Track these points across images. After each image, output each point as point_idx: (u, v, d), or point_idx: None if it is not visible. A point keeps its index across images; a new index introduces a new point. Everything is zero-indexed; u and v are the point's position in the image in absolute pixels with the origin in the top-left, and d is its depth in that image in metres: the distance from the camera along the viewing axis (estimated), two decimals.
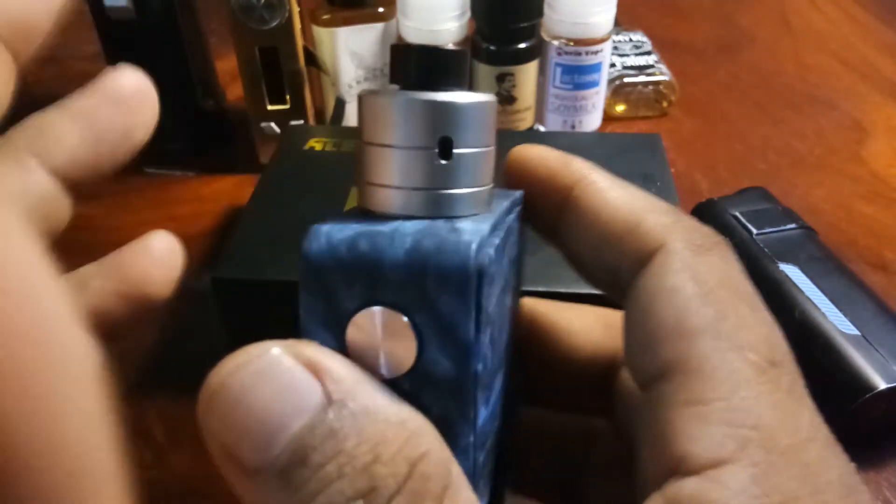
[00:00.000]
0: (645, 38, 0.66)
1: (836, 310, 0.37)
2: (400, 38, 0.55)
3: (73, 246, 0.58)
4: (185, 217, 0.53)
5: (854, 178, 0.55)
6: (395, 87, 0.17)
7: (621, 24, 0.65)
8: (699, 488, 0.14)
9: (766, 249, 0.40)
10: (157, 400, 0.39)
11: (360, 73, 0.56)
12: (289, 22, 0.50)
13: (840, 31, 0.77)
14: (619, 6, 0.55)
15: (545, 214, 0.20)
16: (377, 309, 0.16)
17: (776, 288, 0.38)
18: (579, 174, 0.19)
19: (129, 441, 0.13)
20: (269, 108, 0.54)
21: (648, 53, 0.64)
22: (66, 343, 0.12)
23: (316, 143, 0.48)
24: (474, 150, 0.17)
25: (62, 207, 0.19)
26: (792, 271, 0.39)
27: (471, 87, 0.17)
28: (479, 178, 0.17)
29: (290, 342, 0.15)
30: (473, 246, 0.15)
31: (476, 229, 0.16)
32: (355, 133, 0.49)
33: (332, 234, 0.16)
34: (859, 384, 0.33)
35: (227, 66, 0.60)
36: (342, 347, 0.16)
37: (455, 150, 0.16)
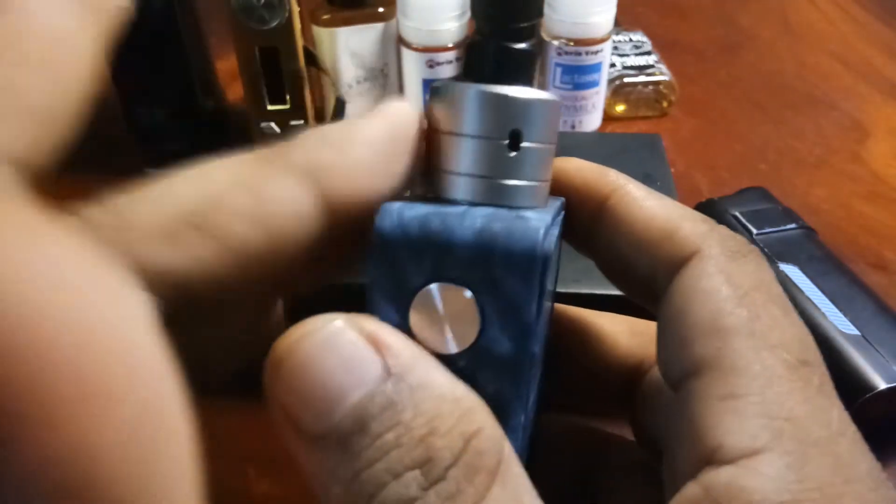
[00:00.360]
0: (645, 38, 0.66)
1: (836, 310, 0.37)
2: (400, 37, 0.55)
3: None
4: None
5: (854, 178, 0.55)
6: (465, 81, 0.18)
7: (621, 24, 0.65)
8: (735, 475, 0.14)
9: (766, 249, 0.40)
10: None
11: (360, 73, 0.56)
12: (289, 22, 0.50)
13: (840, 31, 0.77)
14: (619, 6, 0.55)
15: (581, 223, 0.20)
16: (444, 285, 0.16)
17: None
18: (616, 184, 0.20)
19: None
20: (269, 108, 0.54)
21: (648, 53, 0.64)
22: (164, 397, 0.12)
23: None
24: (539, 146, 0.17)
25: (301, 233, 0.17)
26: (792, 271, 0.39)
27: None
28: (541, 172, 0.18)
29: (353, 315, 0.16)
30: (541, 232, 0.16)
31: (541, 218, 0.17)
32: None
33: (403, 211, 0.16)
34: (859, 384, 0.33)
35: (227, 66, 0.60)
36: (406, 321, 0.16)
37: (523, 144, 0.17)
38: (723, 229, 0.18)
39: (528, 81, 0.17)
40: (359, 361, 0.15)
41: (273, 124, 0.54)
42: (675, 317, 0.17)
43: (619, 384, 0.23)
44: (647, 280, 0.19)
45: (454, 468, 0.14)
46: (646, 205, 0.19)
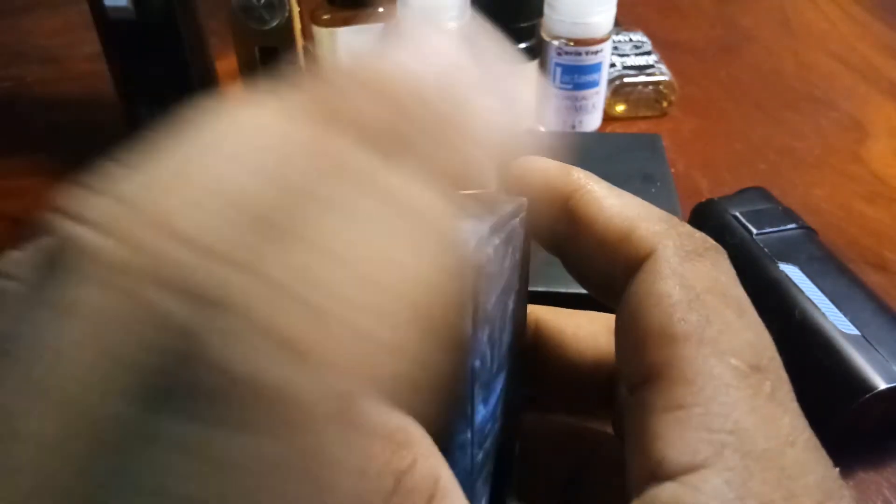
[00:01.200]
0: (645, 38, 0.66)
1: (836, 310, 0.37)
2: None
3: None
4: None
5: (854, 178, 0.55)
6: None
7: (621, 24, 0.65)
8: (676, 493, 0.14)
9: (766, 249, 0.40)
10: None
11: None
12: (289, 22, 0.50)
13: (840, 31, 0.77)
14: (619, 6, 0.55)
15: (544, 224, 0.20)
16: None
17: (776, 288, 0.38)
18: (577, 183, 0.19)
19: None
20: None
21: (648, 53, 0.64)
22: None
23: None
24: None
25: None
26: (792, 271, 0.39)
27: None
28: None
29: None
30: (471, 244, 0.15)
31: (475, 229, 0.16)
32: None
33: None
34: (859, 384, 0.33)
35: (227, 66, 0.60)
36: None
37: None
38: (682, 227, 0.18)
39: None
40: None
41: None
42: (629, 322, 0.17)
43: (600, 384, 0.22)
44: (608, 281, 0.18)
45: None
46: (605, 204, 0.19)
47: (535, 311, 0.23)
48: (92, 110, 0.65)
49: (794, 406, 0.16)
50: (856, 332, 0.35)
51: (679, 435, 0.15)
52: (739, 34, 0.77)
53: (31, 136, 0.64)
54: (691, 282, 0.17)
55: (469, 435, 0.16)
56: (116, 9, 0.51)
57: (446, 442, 0.15)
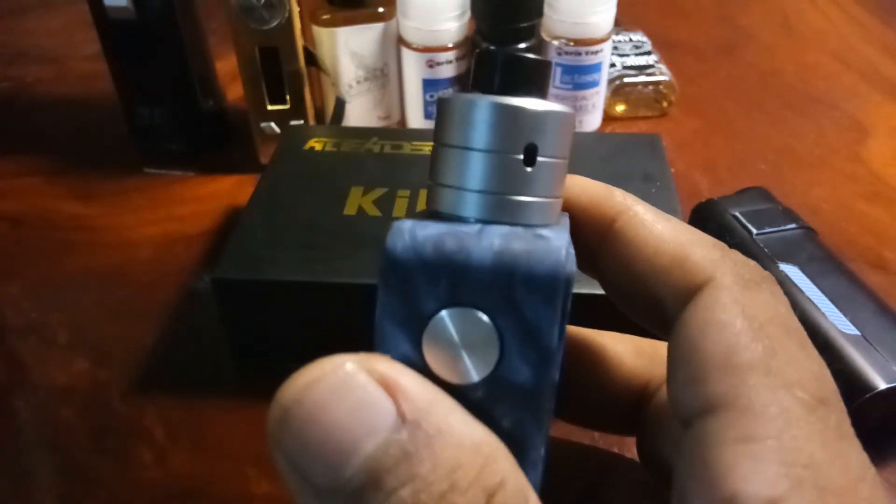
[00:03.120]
0: (645, 38, 0.66)
1: (836, 310, 0.37)
2: (400, 37, 0.55)
3: (74, 246, 0.59)
4: (185, 217, 0.53)
5: (854, 178, 0.55)
6: (475, 93, 0.17)
7: (621, 24, 0.65)
8: None
9: (766, 249, 0.40)
10: (157, 400, 0.39)
11: (360, 73, 0.56)
12: (289, 22, 0.50)
13: (840, 31, 0.77)
14: (619, 6, 0.55)
15: (585, 244, 0.20)
16: (460, 310, 0.15)
17: None
18: (623, 205, 0.19)
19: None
20: (269, 108, 0.54)
21: (648, 53, 0.64)
22: None
23: (316, 143, 0.48)
24: (555, 160, 0.17)
25: None
26: (792, 271, 0.39)
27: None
28: (556, 188, 0.17)
29: (363, 356, 0.15)
30: (563, 252, 0.15)
31: (560, 237, 0.16)
32: (356, 133, 0.49)
33: (415, 230, 0.15)
34: (859, 384, 0.33)
35: (227, 66, 0.60)
36: (418, 350, 0.16)
37: (539, 158, 0.16)
38: (736, 255, 0.18)
39: (541, 93, 0.17)
40: (371, 408, 0.14)
41: (273, 124, 0.54)
42: (687, 350, 0.16)
43: (625, 405, 0.22)
44: (655, 307, 0.18)
45: None
46: (655, 228, 0.18)
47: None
48: (92, 110, 0.65)
49: (857, 441, 0.15)
50: (856, 332, 0.35)
51: (753, 468, 0.14)
52: (739, 34, 0.77)
53: (31, 136, 0.64)
54: (753, 311, 0.16)
55: (543, 451, 0.16)
56: (116, 9, 0.51)
57: (522, 458, 0.15)
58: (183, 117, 0.57)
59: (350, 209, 0.41)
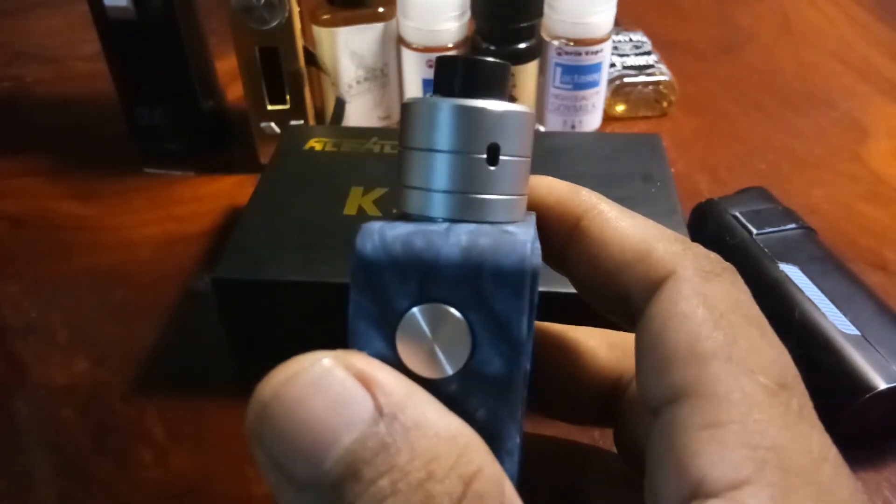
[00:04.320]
0: (645, 38, 0.66)
1: (836, 310, 0.37)
2: (400, 37, 0.55)
3: (74, 246, 0.59)
4: (185, 217, 0.53)
5: (854, 178, 0.55)
6: (437, 96, 0.17)
7: (621, 24, 0.65)
8: None
9: (766, 249, 0.40)
10: (157, 400, 0.39)
11: (360, 73, 0.56)
12: (289, 22, 0.50)
13: (840, 31, 0.77)
14: (619, 6, 0.55)
15: (553, 243, 0.20)
16: (431, 306, 0.16)
17: (776, 288, 0.38)
18: (588, 204, 0.20)
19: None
20: (269, 108, 0.54)
21: (648, 53, 0.64)
22: None
23: (316, 143, 0.48)
24: (517, 159, 0.17)
25: None
26: (792, 271, 0.39)
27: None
28: (519, 185, 0.17)
29: (340, 353, 0.15)
30: (528, 246, 0.16)
31: (525, 231, 0.16)
32: (356, 133, 0.49)
33: (384, 231, 0.16)
34: (859, 384, 0.33)
35: (227, 66, 0.60)
36: (392, 347, 0.16)
37: (501, 157, 0.17)
38: (697, 248, 0.18)
39: (501, 95, 0.17)
40: (348, 402, 0.14)
41: (273, 124, 0.54)
42: (652, 342, 0.17)
43: (601, 398, 0.22)
44: (622, 301, 0.19)
45: None
46: (619, 225, 0.19)
47: (536, 325, 0.23)
48: (92, 110, 0.65)
49: (819, 423, 0.16)
50: (856, 332, 0.35)
51: (718, 452, 0.15)
52: (739, 34, 0.77)
53: (30, 136, 0.64)
54: (714, 302, 0.17)
55: (518, 440, 0.16)
56: (116, 9, 0.51)
57: (497, 448, 0.16)
58: (183, 117, 0.57)
59: (350, 209, 0.41)
